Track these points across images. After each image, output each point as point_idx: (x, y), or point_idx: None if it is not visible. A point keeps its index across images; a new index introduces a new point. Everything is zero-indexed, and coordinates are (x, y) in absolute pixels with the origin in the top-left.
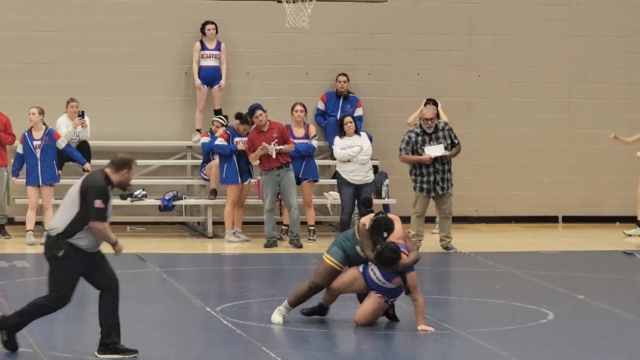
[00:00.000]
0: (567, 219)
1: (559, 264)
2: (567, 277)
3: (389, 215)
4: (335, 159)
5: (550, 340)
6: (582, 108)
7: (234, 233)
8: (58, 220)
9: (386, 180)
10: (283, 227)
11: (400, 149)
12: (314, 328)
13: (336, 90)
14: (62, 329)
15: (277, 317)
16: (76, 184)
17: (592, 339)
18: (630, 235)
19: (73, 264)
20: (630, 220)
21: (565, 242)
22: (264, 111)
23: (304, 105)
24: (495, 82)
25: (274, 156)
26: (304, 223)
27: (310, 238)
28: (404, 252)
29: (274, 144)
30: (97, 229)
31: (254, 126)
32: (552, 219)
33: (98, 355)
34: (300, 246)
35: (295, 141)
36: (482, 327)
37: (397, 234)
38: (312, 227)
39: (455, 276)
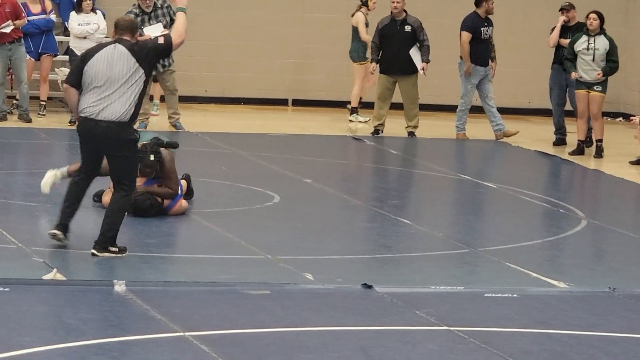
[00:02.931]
0: (297, 103)
1: (287, 147)
2: (295, 161)
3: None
4: (68, 35)
5: (275, 223)
6: None
7: None
8: None
9: None
10: (15, 101)
11: None
12: (40, 203)
13: None
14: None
15: (47, 186)
16: None
17: (318, 222)
18: (352, 120)
19: None
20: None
21: (294, 125)
22: None
23: None
24: None
25: (7, 32)
26: (36, 98)
27: (40, 113)
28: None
29: (8, 23)
30: None
31: None
32: (282, 102)
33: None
34: (30, 120)
35: (33, 18)
36: (207, 208)
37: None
38: (44, 103)
39: (182, 156)
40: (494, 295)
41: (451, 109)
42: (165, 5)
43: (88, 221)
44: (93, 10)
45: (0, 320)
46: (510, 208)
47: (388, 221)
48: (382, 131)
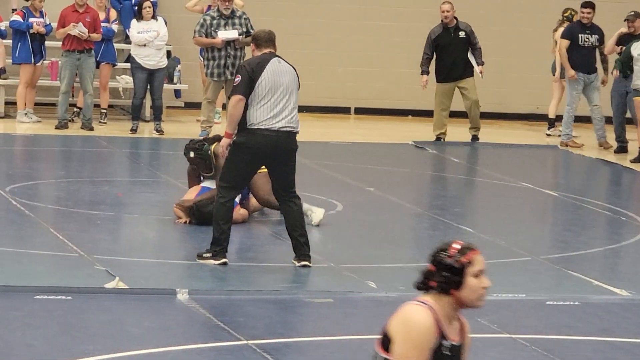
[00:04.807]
0: (359, 111)
1: (349, 155)
2: (358, 169)
3: None
4: (129, 43)
5: (338, 231)
6: (379, 0)
7: (25, 114)
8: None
9: (178, 65)
10: (76, 109)
11: (195, 31)
12: (102, 211)
13: None
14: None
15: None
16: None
17: (380, 231)
18: (550, 135)
19: None
20: (421, 113)
21: (356, 133)
22: None
23: None
24: None
25: (84, 36)
26: (96, 106)
27: (102, 121)
28: None
29: (81, 27)
30: None
31: (70, 4)
32: (344, 110)
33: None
34: (92, 129)
35: None
36: (270, 216)
37: None
38: (105, 111)
39: None
40: (555, 303)
41: (513, 117)
42: (244, 16)
43: (151, 230)
44: (154, 17)
45: (63, 328)
46: (571, 216)
47: (450, 229)
48: (444, 139)
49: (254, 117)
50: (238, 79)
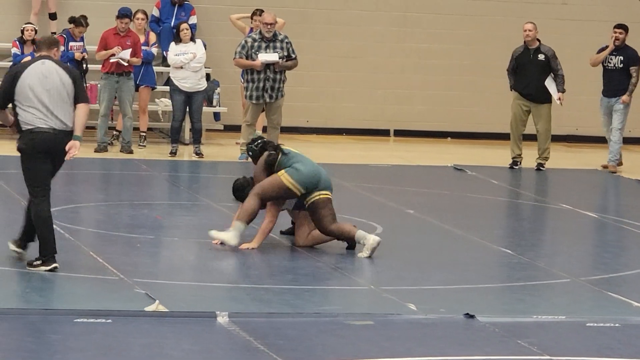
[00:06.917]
0: (399, 133)
1: (389, 177)
2: (398, 191)
3: None
4: (169, 66)
5: (378, 254)
6: (418, 22)
7: None
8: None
9: (218, 88)
10: (115, 132)
11: (236, 53)
12: (142, 234)
13: None
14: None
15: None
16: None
17: (420, 253)
18: None
19: None
20: (460, 136)
21: (396, 156)
22: (131, 20)
23: (145, 13)
24: None
25: (125, 64)
26: (135, 129)
27: (141, 144)
28: None
29: (124, 52)
30: None
31: (112, 27)
32: (384, 132)
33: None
34: (131, 152)
35: None
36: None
37: None
38: (144, 134)
39: None
40: (596, 324)
41: (553, 138)
42: (287, 40)
43: (191, 253)
44: (193, 39)
45: (102, 352)
46: (611, 237)
47: (490, 251)
48: (520, 162)
49: (26, 120)
50: None
